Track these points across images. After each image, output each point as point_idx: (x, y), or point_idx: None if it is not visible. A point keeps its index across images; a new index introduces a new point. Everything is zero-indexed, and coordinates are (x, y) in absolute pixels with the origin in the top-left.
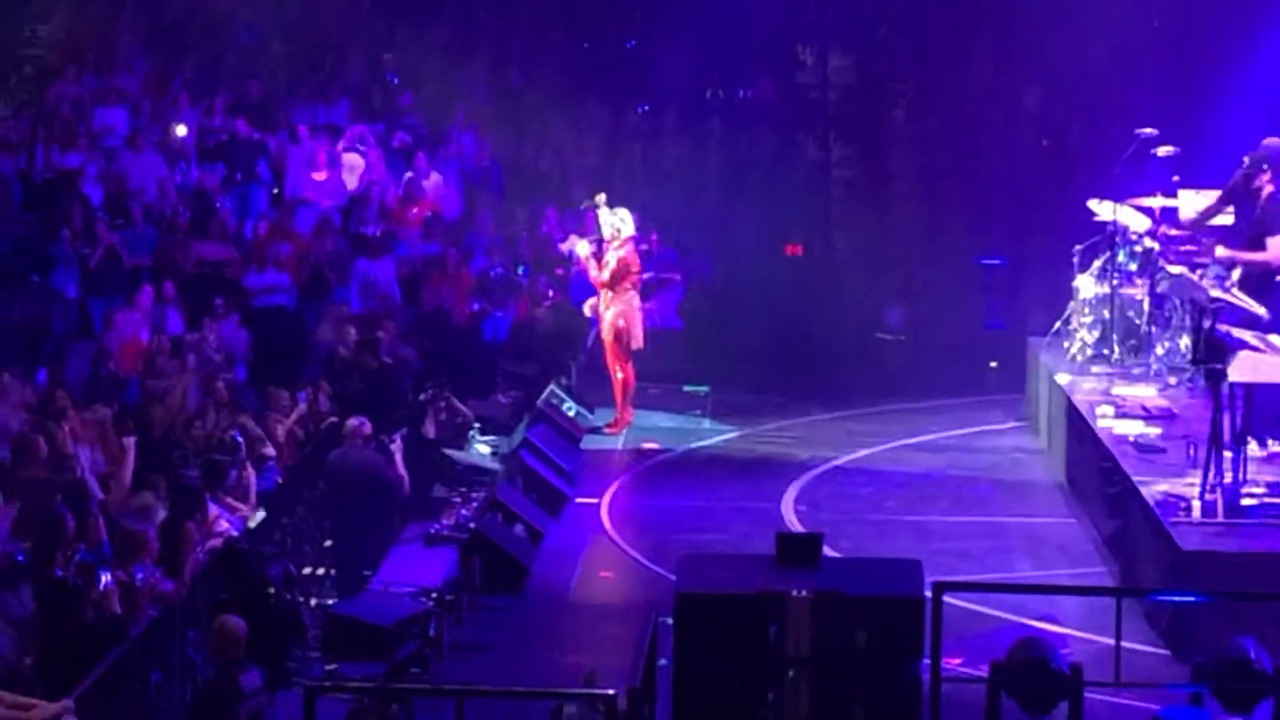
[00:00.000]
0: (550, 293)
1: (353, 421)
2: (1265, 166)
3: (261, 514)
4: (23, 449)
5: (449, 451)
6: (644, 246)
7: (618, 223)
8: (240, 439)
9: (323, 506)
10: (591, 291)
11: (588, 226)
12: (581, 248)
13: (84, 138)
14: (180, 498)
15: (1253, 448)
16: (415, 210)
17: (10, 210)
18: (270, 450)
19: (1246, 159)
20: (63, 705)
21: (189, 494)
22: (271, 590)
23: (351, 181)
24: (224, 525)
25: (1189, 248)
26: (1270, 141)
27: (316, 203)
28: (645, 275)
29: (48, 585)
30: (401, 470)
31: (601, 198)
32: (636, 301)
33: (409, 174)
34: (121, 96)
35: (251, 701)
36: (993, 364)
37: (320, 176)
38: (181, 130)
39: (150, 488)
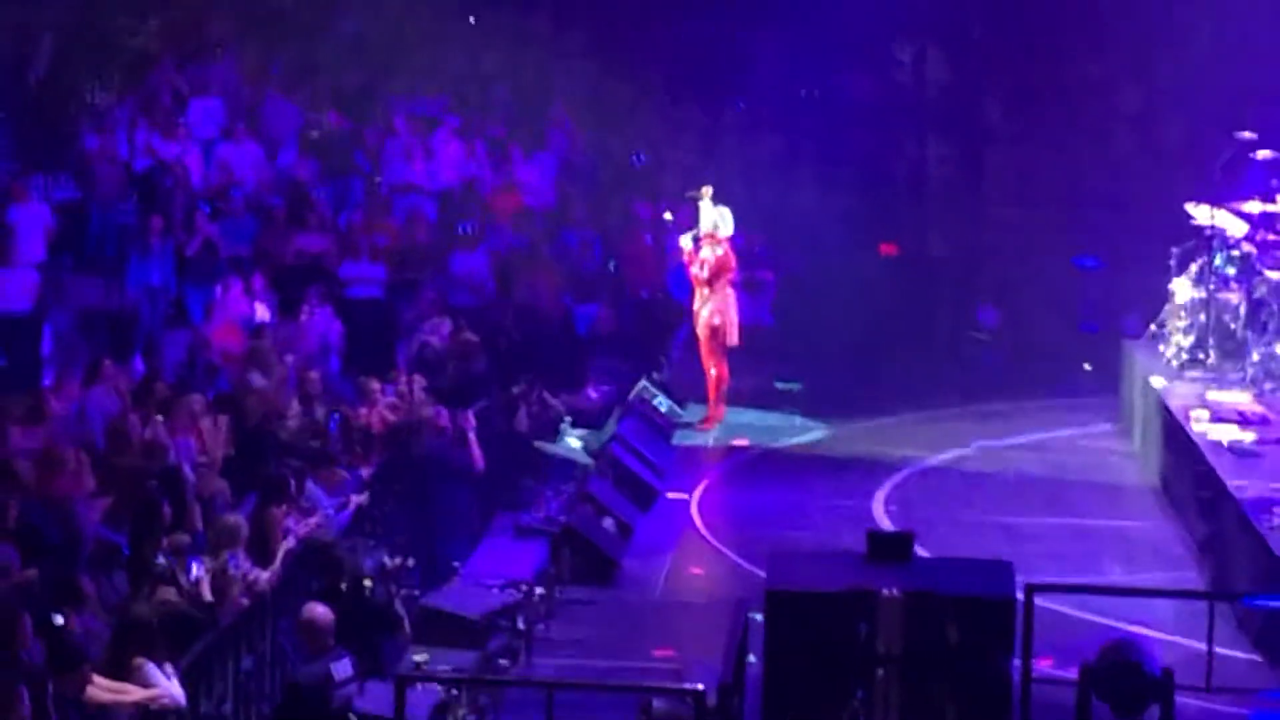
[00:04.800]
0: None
1: (429, 412)
2: None
3: (360, 499)
4: (119, 437)
5: (540, 444)
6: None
7: (718, 219)
8: (336, 430)
9: (410, 498)
10: (689, 285)
11: (682, 222)
12: (685, 241)
13: (182, 127)
14: (271, 487)
15: None
16: (509, 202)
17: (109, 199)
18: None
19: None
20: (156, 693)
21: (279, 483)
22: (368, 583)
23: (448, 173)
24: (304, 519)
25: None
26: None
27: (412, 194)
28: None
29: (141, 572)
30: (475, 449)
31: (707, 191)
32: (733, 299)
33: (504, 166)
34: (219, 87)
35: (342, 690)
36: (1087, 366)
37: (417, 167)
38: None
39: (243, 478)
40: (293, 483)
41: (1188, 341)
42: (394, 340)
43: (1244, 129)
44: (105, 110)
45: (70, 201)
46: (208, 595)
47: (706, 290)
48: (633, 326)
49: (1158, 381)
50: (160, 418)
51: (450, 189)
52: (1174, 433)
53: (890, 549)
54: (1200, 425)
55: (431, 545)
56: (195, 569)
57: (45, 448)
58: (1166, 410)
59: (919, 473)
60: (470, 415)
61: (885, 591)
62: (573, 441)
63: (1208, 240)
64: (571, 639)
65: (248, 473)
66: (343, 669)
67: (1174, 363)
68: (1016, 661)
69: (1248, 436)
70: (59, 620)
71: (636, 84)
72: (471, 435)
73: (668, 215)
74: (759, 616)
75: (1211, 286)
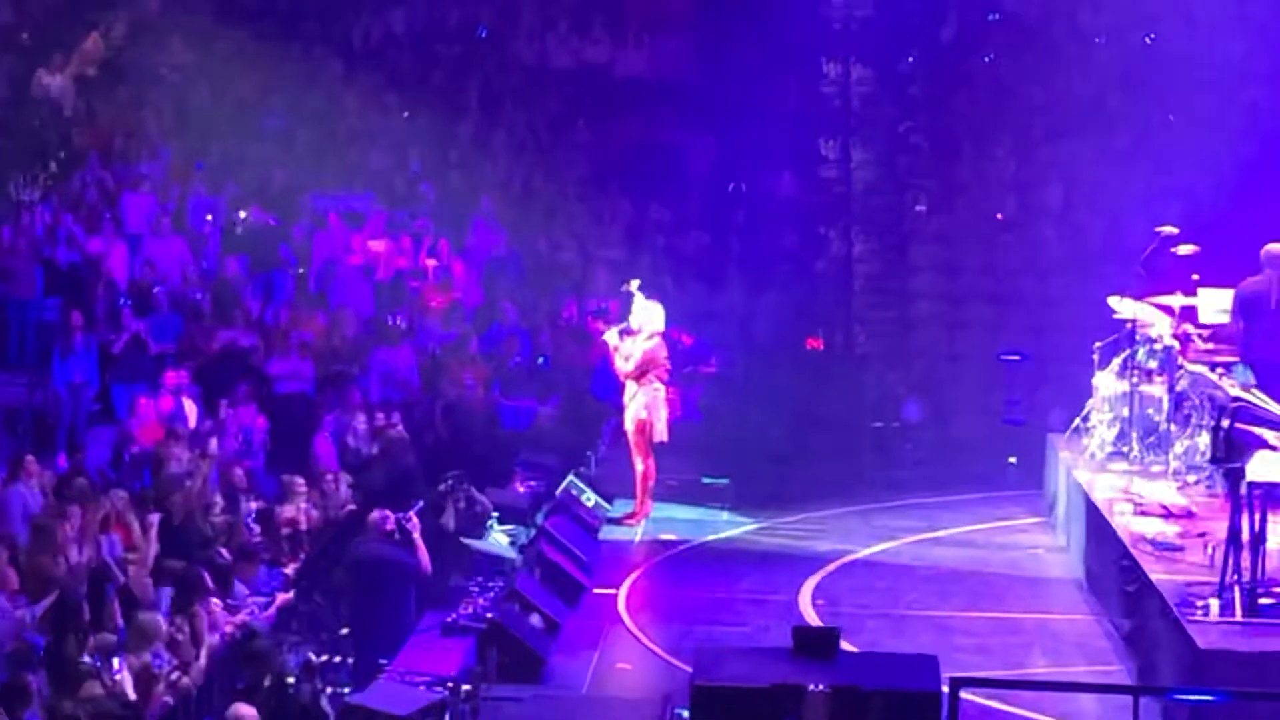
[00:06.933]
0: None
1: (375, 515)
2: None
3: (286, 597)
4: (41, 534)
5: (467, 541)
6: (676, 339)
7: (645, 316)
8: (256, 529)
9: (341, 595)
10: (615, 381)
11: (610, 316)
12: (611, 335)
13: (109, 224)
14: (184, 584)
15: (1272, 544)
16: (438, 298)
17: (33, 296)
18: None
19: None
20: None
21: (193, 579)
22: (292, 680)
23: (378, 269)
24: (229, 616)
25: (1208, 346)
26: (1273, 247)
27: (341, 289)
28: (687, 370)
29: (64, 671)
30: (422, 549)
31: (635, 284)
32: (662, 394)
33: (433, 262)
34: (147, 183)
35: None
36: (1011, 459)
37: (351, 262)
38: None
39: (168, 573)
40: (208, 577)
41: (1111, 434)
42: (316, 436)
43: (1165, 224)
44: (28, 206)
45: None
46: (131, 694)
47: (635, 385)
48: (560, 422)
49: (1082, 475)
50: (85, 515)
51: (379, 284)
52: (1098, 526)
53: (817, 644)
54: (1124, 518)
55: (365, 643)
56: (118, 666)
57: None
58: (1090, 504)
59: (846, 567)
60: (415, 517)
61: (811, 686)
62: (500, 538)
63: (1130, 334)
64: None
65: (172, 569)
66: None
67: (1097, 456)
68: None
69: (1171, 530)
70: None
71: (563, 181)
72: (417, 537)
73: (600, 324)
74: (685, 713)
75: (1134, 380)
